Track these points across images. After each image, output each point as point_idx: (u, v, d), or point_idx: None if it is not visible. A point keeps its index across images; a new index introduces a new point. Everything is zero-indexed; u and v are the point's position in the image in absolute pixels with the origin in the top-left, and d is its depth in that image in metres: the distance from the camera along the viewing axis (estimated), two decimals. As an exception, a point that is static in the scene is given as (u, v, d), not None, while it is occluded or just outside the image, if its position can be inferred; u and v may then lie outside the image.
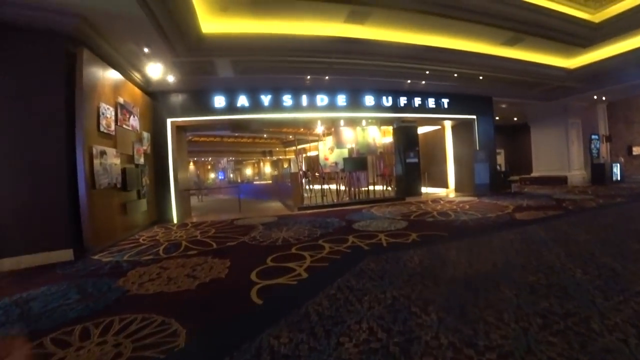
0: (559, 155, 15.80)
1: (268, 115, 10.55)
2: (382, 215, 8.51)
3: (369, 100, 11.10)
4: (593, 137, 15.59)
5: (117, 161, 7.56)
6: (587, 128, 15.99)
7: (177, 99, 10.32)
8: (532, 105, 15.61)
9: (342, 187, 11.81)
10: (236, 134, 20.33)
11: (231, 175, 30.71)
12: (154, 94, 10.07)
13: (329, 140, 11.51)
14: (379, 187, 12.34)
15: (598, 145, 15.76)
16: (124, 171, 7.84)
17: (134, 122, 8.70)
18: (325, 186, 11.88)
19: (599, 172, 14.68)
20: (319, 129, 11.64)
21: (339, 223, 7.76)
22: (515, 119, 18.92)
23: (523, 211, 7.81)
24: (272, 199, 15.38)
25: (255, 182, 25.17)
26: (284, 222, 8.41)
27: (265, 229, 7.66)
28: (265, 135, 21.67)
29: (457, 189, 13.85)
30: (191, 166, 33.21)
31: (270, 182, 18.46)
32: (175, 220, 10.20)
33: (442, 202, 10.64)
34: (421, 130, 13.64)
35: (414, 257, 4.43)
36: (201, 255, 5.45)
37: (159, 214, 10.13)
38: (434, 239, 5.56)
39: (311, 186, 15.79)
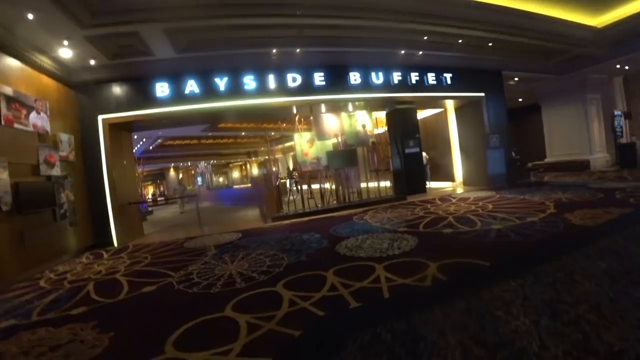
0: (578, 136, 13.67)
1: (225, 102, 8.28)
2: (379, 226, 6.26)
3: (355, 77, 8.85)
4: (616, 113, 13.47)
5: (4, 175, 5.33)
6: (606, 105, 13.89)
7: (110, 90, 8.09)
8: (544, 81, 13.46)
9: (332, 187, 9.55)
10: (209, 134, 17.98)
11: (214, 180, 28.33)
12: (78, 86, 7.83)
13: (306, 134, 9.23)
14: (374, 184, 10.07)
15: (622, 123, 13.65)
16: (16, 187, 5.57)
17: (38, 120, 6.45)
18: (317, 186, 9.64)
19: (628, 154, 12.54)
20: (296, 117, 9.38)
21: (319, 243, 5.50)
22: (521, 99, 16.80)
23: (572, 210, 5.60)
24: (250, 204, 13.11)
25: (235, 187, 22.82)
26: (245, 243, 6.19)
27: (216, 255, 5.50)
28: (243, 134, 19.33)
29: (465, 182, 11.66)
30: (172, 172, 30.79)
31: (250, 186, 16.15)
32: (115, 243, 7.89)
33: (453, 200, 8.42)
34: (419, 115, 11.41)
35: (447, 337, 2.17)
36: (83, 319, 3.33)
37: (97, 236, 7.86)
38: (469, 274, 3.33)
39: (298, 187, 13.49)
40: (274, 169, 9.72)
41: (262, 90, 8.39)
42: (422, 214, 6.97)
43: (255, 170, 30.17)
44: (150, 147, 20.95)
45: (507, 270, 3.24)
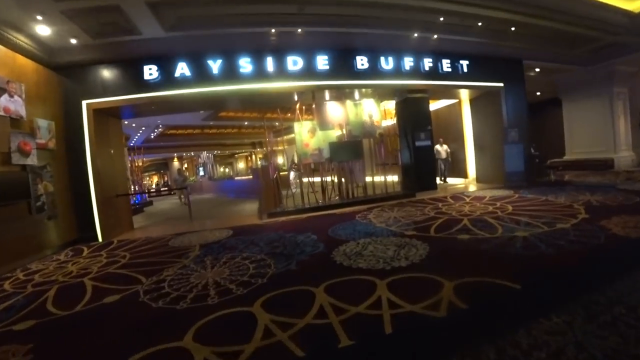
0: (602, 133, 12.70)
1: (219, 87, 7.58)
2: (383, 227, 5.55)
3: (362, 62, 8.06)
4: (646, 109, 12.50)
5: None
6: (633, 100, 12.88)
7: (95, 74, 7.47)
8: (567, 73, 12.46)
9: (335, 180, 8.81)
10: (211, 123, 17.33)
11: (218, 171, 27.76)
12: (61, 68, 7.23)
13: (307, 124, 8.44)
14: (380, 178, 9.31)
15: (651, 120, 12.68)
16: (-20, 178, 4.98)
17: (11, 104, 5.88)
18: (319, 179, 8.95)
19: (658, 153, 11.58)
20: (297, 105, 8.64)
21: (314, 246, 4.82)
22: (539, 93, 15.78)
23: (609, 216, 4.82)
24: (251, 197, 12.46)
25: (237, 178, 22.23)
26: (234, 243, 5.56)
27: (198, 257, 4.89)
28: (246, 123, 18.63)
29: (479, 179, 10.85)
30: (175, 162, 30.34)
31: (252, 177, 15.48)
32: (100, 238, 7.31)
33: (467, 198, 7.66)
34: (430, 106, 10.54)
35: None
36: (22, 339, 2.74)
37: (81, 230, 7.30)
38: (497, 302, 2.60)
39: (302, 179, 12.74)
40: (271, 160, 9.02)
41: (259, 74, 7.67)
42: (433, 214, 6.23)
43: (260, 162, 29.51)
44: (152, 136, 20.40)
45: (545, 298, 2.52)
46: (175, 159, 29.99)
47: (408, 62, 8.39)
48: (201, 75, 7.55)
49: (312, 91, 8.12)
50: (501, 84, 9.72)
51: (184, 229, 7.51)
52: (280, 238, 5.55)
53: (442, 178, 11.27)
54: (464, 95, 10.43)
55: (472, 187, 9.75)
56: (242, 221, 7.82)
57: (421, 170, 9.06)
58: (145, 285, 3.83)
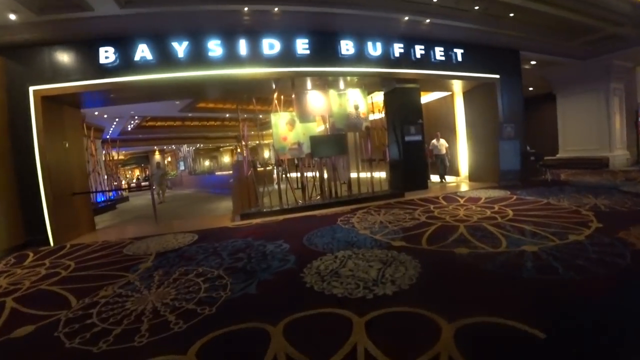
0: (597, 131, 12.21)
1: (186, 73, 6.70)
2: (367, 235, 4.80)
3: (346, 47, 7.25)
4: (642, 106, 12.03)
5: None
6: (628, 97, 12.41)
7: (44, 56, 6.56)
8: (563, 67, 11.89)
9: (316, 177, 8.01)
10: (189, 115, 16.30)
11: (200, 165, 26.61)
12: (5, 49, 6.33)
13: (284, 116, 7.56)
14: (366, 174, 8.54)
15: (646, 117, 12.23)
16: None
17: None
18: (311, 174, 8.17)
19: (656, 152, 11.13)
20: (275, 94, 7.77)
21: (283, 260, 4.05)
22: (531, 88, 15.24)
23: (626, 226, 4.17)
24: (230, 194, 11.59)
25: (217, 173, 21.29)
26: (194, 252, 4.82)
27: (148, 271, 4.14)
28: (227, 115, 17.65)
29: (472, 177, 10.19)
30: (157, 156, 29.10)
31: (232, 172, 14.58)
32: (51, 242, 6.42)
33: (460, 200, 6.98)
34: (421, 99, 9.79)
35: None
36: None
37: (30, 232, 6.52)
38: None
39: (288, 175, 11.92)
40: (245, 155, 8.17)
41: (231, 59, 6.80)
42: (424, 218, 5.50)
43: (236, 157, 28.52)
44: (129, 128, 19.29)
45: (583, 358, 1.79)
46: (157, 152, 28.77)
47: (398, 49, 7.61)
48: (165, 59, 6.66)
49: (291, 78, 7.28)
50: (497, 76, 9.05)
51: (147, 232, 6.68)
52: (247, 247, 4.78)
53: (441, 176, 10.32)
54: (457, 87, 9.72)
55: (465, 187, 9.09)
56: (212, 223, 7.00)
57: (411, 168, 8.35)
58: (72, 311, 3.07)
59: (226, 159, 36.59)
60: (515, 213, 5.35)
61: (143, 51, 6.58)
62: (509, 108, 9.21)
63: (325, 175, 7.94)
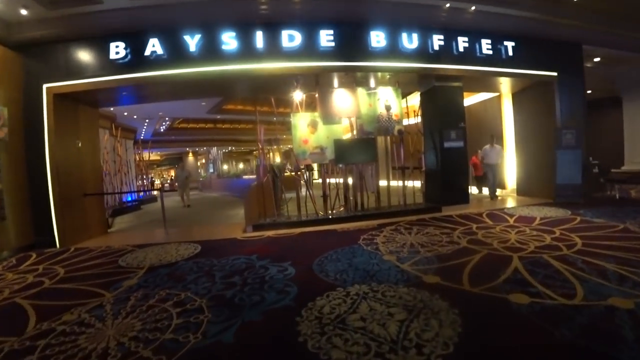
0: (676, 139, 10.41)
1: (198, 68, 6.17)
2: (393, 262, 3.87)
3: (377, 39, 6.36)
4: None
5: None
6: None
7: (57, 53, 6.34)
8: (634, 65, 10.20)
9: (340, 186, 7.12)
10: (218, 117, 16.02)
11: (232, 168, 26.43)
12: (22, 47, 6.22)
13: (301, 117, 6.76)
14: (397, 183, 7.55)
15: None
16: None
17: None
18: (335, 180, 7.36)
19: None
20: (297, 93, 7.01)
21: (281, 292, 3.25)
22: (589, 91, 13.43)
23: None
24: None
25: (245, 177, 20.95)
26: (186, 269, 4.20)
27: (130, 290, 3.62)
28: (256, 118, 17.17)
29: (520, 191, 8.88)
30: (190, 157, 29.49)
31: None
32: (57, 243, 6.23)
33: (509, 219, 5.84)
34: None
35: None
36: None
37: (38, 233, 6.31)
38: None
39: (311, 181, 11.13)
40: (261, 160, 7.50)
41: (246, 53, 6.16)
42: (465, 243, 4.48)
43: (278, 160, 28.14)
44: (161, 129, 19.49)
45: None
46: (190, 154, 29.14)
47: (437, 41, 6.62)
48: (176, 53, 6.19)
49: (314, 74, 6.51)
50: (554, 73, 7.76)
51: (154, 239, 6.32)
52: (247, 268, 4.05)
53: (491, 192, 8.40)
54: (505, 87, 8.50)
55: (512, 202, 7.84)
56: (222, 233, 6.40)
57: (450, 179, 7.27)
58: (21, 339, 2.57)
59: (277, 159, 36.44)
60: (585, 242, 4.19)
61: (154, 46, 6.15)
62: (569, 111, 7.87)
63: (351, 183, 7.06)
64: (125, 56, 6.16)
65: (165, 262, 4.56)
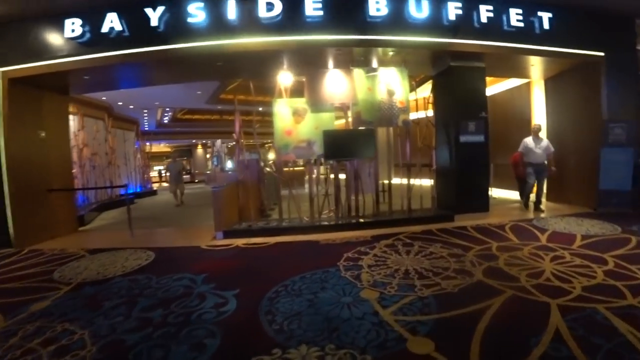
0: None
1: (162, 46, 5.12)
2: (373, 302, 2.72)
3: (377, 6, 5.09)
4: None
5: None
6: None
7: (16, 32, 5.46)
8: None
9: (329, 185, 5.93)
10: (219, 108, 15.05)
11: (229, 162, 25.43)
12: None
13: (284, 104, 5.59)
14: (400, 180, 6.32)
15: None
16: None
17: None
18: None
19: None
20: (282, 76, 5.83)
21: (199, 345, 2.17)
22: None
23: None
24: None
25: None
26: (114, 291, 3.34)
27: (28, 319, 2.74)
28: (260, 109, 16.13)
29: (552, 197, 7.43)
30: (199, 150, 28.85)
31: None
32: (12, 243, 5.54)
33: (541, 236, 4.55)
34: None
35: None
36: None
37: None
38: None
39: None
40: (238, 154, 6.45)
41: (218, 26, 5.06)
42: (479, 274, 3.25)
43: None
44: (165, 121, 18.78)
45: None
46: (200, 146, 28.48)
47: (454, 10, 5.28)
48: (138, 29, 5.17)
49: (301, 52, 5.34)
50: (601, 54, 6.31)
51: (115, 243, 5.46)
52: (181, 296, 3.11)
53: (535, 201, 6.60)
54: (537, 71, 7.05)
55: (544, 212, 6.44)
56: (188, 238, 5.54)
57: (466, 181, 5.95)
58: None
59: (271, 155, 35.65)
60: (660, 279, 2.90)
61: (112, 21, 5.14)
62: (618, 101, 6.39)
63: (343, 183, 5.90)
64: (82, 34, 5.21)
65: (100, 278, 3.77)
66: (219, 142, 23.15)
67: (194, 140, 25.73)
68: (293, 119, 5.56)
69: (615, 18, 6.45)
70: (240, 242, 5.07)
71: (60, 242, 5.85)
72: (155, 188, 17.18)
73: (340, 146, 5.55)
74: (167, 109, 16.26)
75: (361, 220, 5.64)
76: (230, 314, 2.67)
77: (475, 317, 2.38)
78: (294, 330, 2.35)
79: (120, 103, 12.49)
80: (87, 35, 5.23)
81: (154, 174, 20.52)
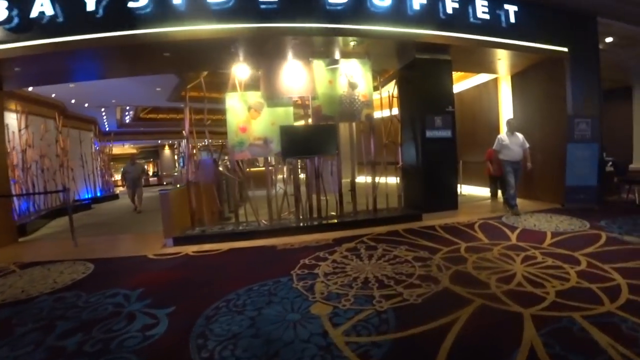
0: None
1: (100, 34, 4.56)
2: (324, 319, 2.32)
3: (337, -8, 4.74)
4: None
5: None
6: None
7: None
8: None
9: (288, 185, 5.48)
10: (181, 105, 14.32)
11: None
12: None
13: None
14: (364, 178, 5.98)
15: None
16: None
17: None
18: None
19: None
20: (236, 68, 5.37)
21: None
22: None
23: None
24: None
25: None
26: (33, 314, 2.75)
27: None
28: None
29: (521, 193, 7.28)
30: (166, 151, 27.69)
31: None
32: None
33: (511, 234, 4.33)
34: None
35: None
36: None
37: None
38: None
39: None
40: (188, 155, 5.96)
41: (163, 12, 4.54)
42: (446, 281, 2.93)
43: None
44: (126, 120, 17.71)
45: None
46: (167, 147, 27.32)
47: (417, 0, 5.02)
48: (74, 14, 4.54)
49: (254, 42, 4.90)
50: (565, 49, 6.25)
51: (53, 254, 4.79)
52: (108, 317, 2.66)
53: (509, 202, 5.88)
54: (504, 66, 6.94)
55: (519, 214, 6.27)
56: (136, 247, 4.97)
57: (433, 178, 5.71)
58: None
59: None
60: (631, 282, 2.66)
61: (42, 5, 4.49)
62: (582, 96, 6.36)
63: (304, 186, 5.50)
64: (10, 19, 4.53)
65: (23, 297, 3.19)
66: (184, 142, 22.19)
67: (159, 141, 24.58)
68: (248, 114, 5.11)
69: (578, 15, 6.42)
70: (191, 249, 4.57)
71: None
72: (117, 192, 16.15)
73: (299, 143, 5.15)
74: (128, 108, 15.33)
75: (323, 222, 5.25)
76: (157, 339, 2.21)
77: (440, 334, 2.04)
78: (225, 358, 1.93)
79: (73, 101, 11.58)
80: (15, 20, 4.57)
81: (118, 176, 19.43)
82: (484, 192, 7.79)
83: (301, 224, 5.22)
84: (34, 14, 4.53)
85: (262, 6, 4.64)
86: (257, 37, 4.80)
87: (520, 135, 5.99)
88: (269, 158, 5.48)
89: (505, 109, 7.80)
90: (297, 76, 5.18)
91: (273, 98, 5.11)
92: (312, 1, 4.76)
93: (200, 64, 5.84)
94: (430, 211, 5.61)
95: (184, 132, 5.92)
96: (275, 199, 5.38)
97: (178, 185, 5.57)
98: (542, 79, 6.73)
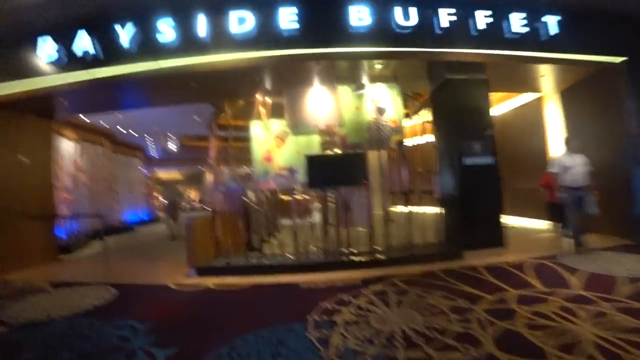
0: None
1: (131, 65, 4.72)
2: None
3: (359, 15, 4.54)
4: None
5: None
6: None
7: None
8: None
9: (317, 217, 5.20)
10: (221, 134, 14.80)
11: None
12: None
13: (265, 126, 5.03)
14: (400, 208, 5.53)
15: None
16: None
17: None
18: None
19: None
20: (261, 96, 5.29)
21: None
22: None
23: None
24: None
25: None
26: (47, 335, 3.02)
27: None
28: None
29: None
30: (208, 176, 28.61)
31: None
32: None
33: (575, 281, 3.69)
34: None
35: None
36: None
37: None
38: None
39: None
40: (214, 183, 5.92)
41: (187, 43, 4.61)
42: (491, 345, 2.44)
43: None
44: (171, 147, 18.67)
45: None
46: (208, 173, 28.27)
47: (446, 16, 4.69)
48: (109, 49, 4.80)
49: (278, 68, 4.82)
50: (623, 58, 5.54)
51: (84, 276, 5.08)
52: (110, 351, 2.62)
53: (576, 237, 5.00)
54: (549, 82, 6.32)
55: (566, 245, 5.46)
56: (162, 275, 4.95)
57: (474, 210, 5.14)
58: None
59: None
60: None
61: (82, 38, 4.79)
62: (646, 112, 5.58)
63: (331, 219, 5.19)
64: (58, 57, 4.91)
65: (44, 319, 3.34)
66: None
67: (201, 167, 25.55)
68: (274, 143, 4.97)
69: (636, 21, 5.72)
70: (212, 281, 4.43)
71: (30, 273, 5.45)
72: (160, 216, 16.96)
73: (325, 172, 4.88)
74: (171, 135, 16.19)
75: (352, 258, 4.87)
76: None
77: None
78: None
79: (118, 127, 12.34)
80: (59, 54, 4.92)
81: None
82: (538, 223, 6.96)
83: (330, 259, 4.87)
84: (76, 50, 4.78)
85: (284, 33, 4.56)
86: (279, 63, 4.72)
87: (581, 155, 5.03)
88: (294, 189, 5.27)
89: (552, 132, 7.04)
90: (323, 103, 5.01)
91: (298, 126, 4.95)
92: (334, 25, 4.62)
93: (226, 93, 5.88)
94: (473, 248, 5.01)
95: (209, 160, 5.91)
96: (310, 229, 5.13)
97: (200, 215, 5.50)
98: (597, 94, 6.02)
